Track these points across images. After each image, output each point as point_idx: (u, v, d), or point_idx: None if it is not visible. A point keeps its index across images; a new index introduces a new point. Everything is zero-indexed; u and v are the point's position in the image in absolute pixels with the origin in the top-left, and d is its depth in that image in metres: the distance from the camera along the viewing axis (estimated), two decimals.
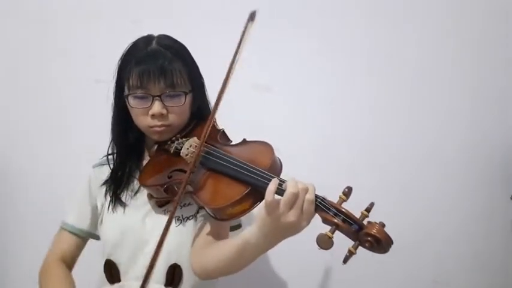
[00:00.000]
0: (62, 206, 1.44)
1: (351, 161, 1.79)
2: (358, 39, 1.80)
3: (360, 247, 0.92)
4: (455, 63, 1.81)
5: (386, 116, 1.81)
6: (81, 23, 1.76)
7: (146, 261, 1.18)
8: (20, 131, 1.78)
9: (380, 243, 0.90)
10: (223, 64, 1.74)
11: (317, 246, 0.90)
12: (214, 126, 1.24)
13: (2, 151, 1.78)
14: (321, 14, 1.79)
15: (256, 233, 0.97)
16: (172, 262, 1.19)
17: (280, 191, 0.94)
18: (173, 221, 1.20)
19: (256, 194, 1.01)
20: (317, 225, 0.94)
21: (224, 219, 1.06)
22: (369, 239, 0.90)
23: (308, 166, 1.68)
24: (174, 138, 1.22)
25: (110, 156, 1.32)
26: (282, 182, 0.96)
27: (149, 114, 1.18)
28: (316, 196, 0.95)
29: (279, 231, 0.95)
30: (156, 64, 1.15)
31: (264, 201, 0.94)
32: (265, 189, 0.94)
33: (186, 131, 1.25)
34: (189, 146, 1.17)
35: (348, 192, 0.96)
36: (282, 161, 1.11)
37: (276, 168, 1.07)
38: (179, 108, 1.20)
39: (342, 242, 0.93)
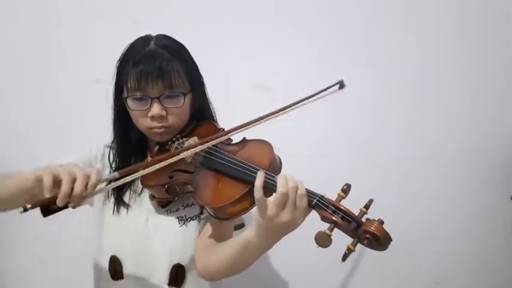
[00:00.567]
0: None
1: (351, 161, 1.79)
2: (358, 39, 1.80)
3: (358, 244, 0.92)
4: (455, 63, 1.82)
5: (386, 116, 1.81)
6: (81, 23, 1.76)
7: (149, 261, 1.19)
8: (20, 131, 1.78)
9: (379, 240, 0.90)
10: (223, 64, 1.74)
11: (316, 244, 0.90)
12: (215, 126, 1.24)
13: (2, 151, 1.77)
14: (321, 14, 1.79)
15: (255, 233, 0.97)
16: (175, 262, 1.19)
17: (273, 186, 0.95)
18: (176, 221, 1.20)
19: None
20: (315, 224, 0.94)
21: (224, 219, 1.06)
22: (368, 236, 0.90)
23: (308, 166, 1.68)
24: (174, 139, 1.22)
25: (112, 158, 1.32)
26: (273, 180, 0.96)
27: (148, 116, 1.17)
28: (315, 194, 0.96)
29: (277, 230, 0.95)
30: (154, 65, 1.13)
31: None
32: (265, 188, 0.94)
33: (187, 131, 1.25)
34: (189, 146, 1.17)
35: (346, 190, 0.96)
36: (281, 160, 1.11)
37: (275, 166, 1.08)
38: (178, 109, 1.19)
39: (341, 239, 0.93)
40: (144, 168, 1.03)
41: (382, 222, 0.91)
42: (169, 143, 1.22)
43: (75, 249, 1.68)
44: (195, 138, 1.19)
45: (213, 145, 1.14)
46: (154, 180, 1.18)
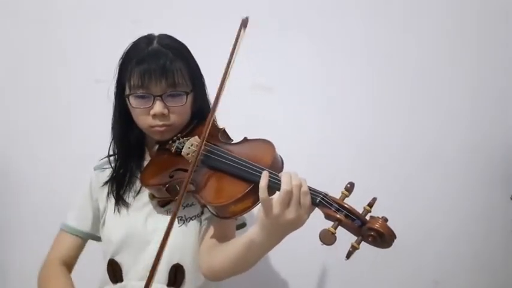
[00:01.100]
0: (62, 206, 1.44)
1: (351, 161, 1.79)
2: (358, 39, 1.80)
3: (363, 242, 0.92)
4: (455, 63, 1.82)
5: (387, 116, 1.81)
6: (81, 23, 1.76)
7: (148, 261, 1.19)
8: (20, 131, 1.78)
9: (383, 237, 0.90)
10: (223, 64, 1.74)
11: (320, 242, 0.91)
12: (215, 126, 1.24)
13: (2, 151, 1.77)
14: (321, 14, 1.79)
15: (259, 232, 0.98)
16: (174, 262, 1.20)
17: (277, 185, 0.95)
18: (176, 221, 1.20)
19: (258, 191, 1.01)
20: (320, 222, 0.94)
21: (227, 217, 1.06)
22: (372, 233, 0.90)
23: (308, 166, 1.67)
24: (175, 138, 1.22)
25: (111, 157, 1.32)
26: (277, 178, 0.97)
27: (150, 114, 1.18)
28: (319, 192, 0.96)
29: (281, 228, 0.96)
30: (158, 64, 1.15)
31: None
32: (269, 186, 0.95)
33: (187, 130, 1.25)
34: (190, 145, 1.18)
35: (350, 188, 0.97)
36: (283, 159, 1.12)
37: (277, 165, 1.08)
38: (180, 108, 1.20)
39: (345, 237, 0.93)
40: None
41: (386, 220, 0.92)
42: (170, 142, 1.22)
43: None
44: (196, 137, 1.20)
45: (214, 144, 1.14)
46: (155, 180, 1.18)
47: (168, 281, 1.20)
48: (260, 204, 0.97)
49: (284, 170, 1.08)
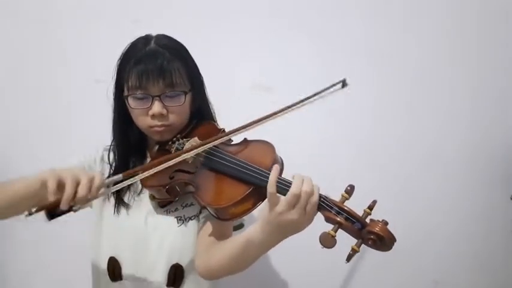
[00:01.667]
0: None
1: (351, 161, 1.79)
2: (358, 39, 1.80)
3: (363, 245, 0.92)
4: (455, 63, 1.82)
5: (387, 116, 1.81)
6: (81, 23, 1.75)
7: (148, 261, 1.19)
8: (20, 131, 1.77)
9: (383, 240, 0.90)
10: (223, 64, 1.74)
11: (320, 245, 0.90)
12: (215, 126, 1.24)
13: (2, 151, 1.77)
14: (321, 14, 1.79)
15: (258, 231, 0.98)
16: (174, 262, 1.19)
17: (282, 190, 0.95)
18: (175, 221, 1.20)
19: (258, 193, 1.01)
20: (320, 224, 0.94)
21: (227, 219, 1.06)
22: (372, 237, 0.90)
23: (308, 166, 1.67)
24: (174, 139, 1.22)
25: (111, 158, 1.31)
26: (286, 182, 0.97)
27: (149, 115, 1.18)
28: (319, 195, 0.96)
29: (282, 228, 0.96)
30: (155, 64, 1.14)
31: (266, 200, 0.94)
32: (266, 189, 0.94)
33: (187, 130, 1.25)
34: (190, 146, 1.17)
35: (350, 191, 0.96)
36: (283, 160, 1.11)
37: None
38: (179, 108, 1.20)
39: (345, 240, 0.93)
40: (147, 169, 1.03)
41: (386, 223, 0.92)
42: (170, 143, 1.22)
43: (75, 250, 1.68)
44: (196, 138, 1.19)
45: (214, 146, 1.14)
46: (155, 181, 1.18)
47: (167, 281, 1.20)
48: (261, 204, 0.97)
49: (284, 172, 1.07)
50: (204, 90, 1.30)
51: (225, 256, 1.07)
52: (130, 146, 1.28)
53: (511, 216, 1.84)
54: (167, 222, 1.21)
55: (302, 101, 1.13)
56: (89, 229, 1.31)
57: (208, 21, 1.76)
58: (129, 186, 1.26)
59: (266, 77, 1.78)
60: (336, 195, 0.98)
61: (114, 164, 1.29)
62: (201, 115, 1.28)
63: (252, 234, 0.99)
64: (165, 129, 1.20)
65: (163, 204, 1.23)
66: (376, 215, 0.95)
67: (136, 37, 1.24)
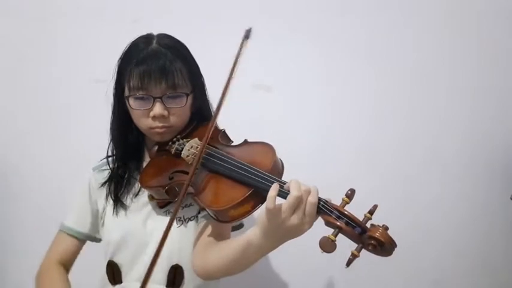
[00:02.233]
0: (62, 206, 1.44)
1: (351, 162, 1.78)
2: (358, 39, 1.79)
3: (363, 250, 0.91)
4: (455, 63, 1.82)
5: (387, 117, 1.81)
6: (81, 23, 1.75)
7: (147, 262, 1.18)
8: (20, 131, 1.77)
9: (383, 246, 0.89)
10: (223, 64, 1.74)
11: (320, 249, 0.90)
12: (215, 127, 1.24)
13: (1, 151, 1.77)
14: (321, 14, 1.79)
15: (258, 235, 0.96)
16: (173, 263, 1.19)
17: (282, 193, 0.94)
18: (174, 221, 1.20)
19: (258, 196, 1.00)
20: (320, 229, 0.94)
21: (226, 221, 1.05)
22: (372, 242, 0.89)
23: (308, 167, 1.67)
24: (174, 139, 1.22)
25: (110, 158, 1.31)
26: (283, 183, 0.96)
27: (150, 116, 1.17)
28: (319, 199, 0.94)
29: (282, 233, 0.95)
30: (157, 65, 1.13)
31: (265, 203, 0.93)
32: (267, 191, 0.93)
33: (187, 131, 1.24)
34: (190, 147, 1.17)
35: (350, 195, 0.95)
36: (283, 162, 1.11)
37: (277, 169, 1.07)
38: (180, 110, 1.19)
39: (345, 245, 0.93)
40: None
41: (386, 228, 0.91)
42: (170, 143, 1.22)
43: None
44: (196, 139, 1.19)
45: (214, 147, 1.14)
46: (154, 182, 1.18)
47: (167, 281, 1.19)
48: (260, 208, 0.96)
49: (284, 172, 1.07)
50: (205, 91, 1.30)
51: (223, 258, 1.06)
52: (128, 146, 1.28)
53: (511, 216, 1.84)
54: (166, 223, 1.20)
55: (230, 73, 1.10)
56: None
57: (209, 21, 1.76)
58: (127, 187, 1.27)
59: (266, 77, 1.77)
60: (334, 196, 0.97)
61: (112, 165, 1.29)
62: (201, 116, 1.27)
63: (251, 237, 0.98)
64: (166, 130, 1.20)
65: (162, 205, 1.22)
66: (376, 214, 0.94)
67: (137, 37, 1.23)
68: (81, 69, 1.76)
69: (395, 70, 1.79)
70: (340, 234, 0.91)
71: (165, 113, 1.17)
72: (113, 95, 1.25)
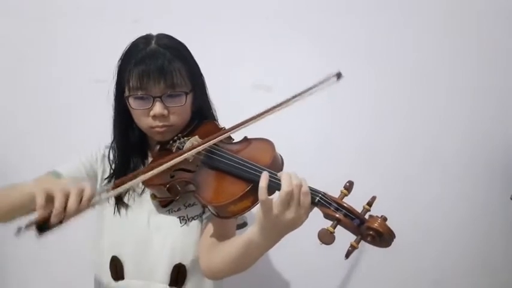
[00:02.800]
0: None
1: (351, 162, 1.79)
2: (358, 39, 1.80)
3: (362, 241, 0.91)
4: (455, 63, 1.82)
5: (387, 117, 1.81)
6: (81, 23, 1.76)
7: (150, 261, 1.19)
8: (20, 131, 1.77)
9: (382, 236, 0.89)
10: (223, 64, 1.74)
11: (319, 241, 0.90)
12: (216, 125, 1.24)
13: (1, 151, 1.77)
14: (321, 14, 1.79)
15: (257, 232, 0.97)
16: (176, 262, 1.19)
17: (276, 185, 0.94)
18: (178, 221, 1.20)
19: (258, 191, 1.01)
20: (319, 221, 0.94)
21: (226, 217, 1.06)
22: (371, 232, 0.89)
23: (308, 166, 1.67)
24: (175, 138, 1.22)
25: (112, 157, 1.31)
26: (276, 178, 0.96)
27: (150, 115, 1.18)
28: (317, 191, 0.96)
29: (280, 228, 0.95)
30: (156, 64, 1.14)
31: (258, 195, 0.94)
32: (268, 186, 0.94)
33: (188, 130, 1.25)
34: (191, 145, 1.17)
35: (349, 187, 0.96)
36: (283, 158, 1.11)
37: (277, 164, 1.07)
38: (180, 109, 1.19)
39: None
40: (145, 173, 1.03)
41: (385, 219, 0.91)
42: (171, 142, 1.22)
43: (76, 250, 1.68)
44: (196, 137, 1.19)
45: (214, 144, 1.14)
46: (156, 180, 1.18)
47: (170, 280, 1.19)
48: (259, 204, 0.96)
49: (284, 170, 1.07)
50: (205, 90, 1.30)
51: (226, 257, 1.07)
52: (130, 146, 1.28)
53: (511, 216, 1.84)
54: (169, 222, 1.21)
55: (300, 93, 1.12)
56: (90, 229, 1.30)
57: (209, 21, 1.76)
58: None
59: (266, 77, 1.78)
60: (336, 195, 0.98)
61: (114, 165, 1.29)
62: (202, 115, 1.28)
63: (250, 235, 0.99)
64: (166, 129, 1.20)
65: (164, 204, 1.23)
66: (376, 214, 0.95)
67: (137, 37, 1.23)
68: (81, 69, 1.76)
69: (395, 70, 1.80)
70: (339, 226, 0.92)
71: (165, 112, 1.17)
72: (113, 95, 1.26)
